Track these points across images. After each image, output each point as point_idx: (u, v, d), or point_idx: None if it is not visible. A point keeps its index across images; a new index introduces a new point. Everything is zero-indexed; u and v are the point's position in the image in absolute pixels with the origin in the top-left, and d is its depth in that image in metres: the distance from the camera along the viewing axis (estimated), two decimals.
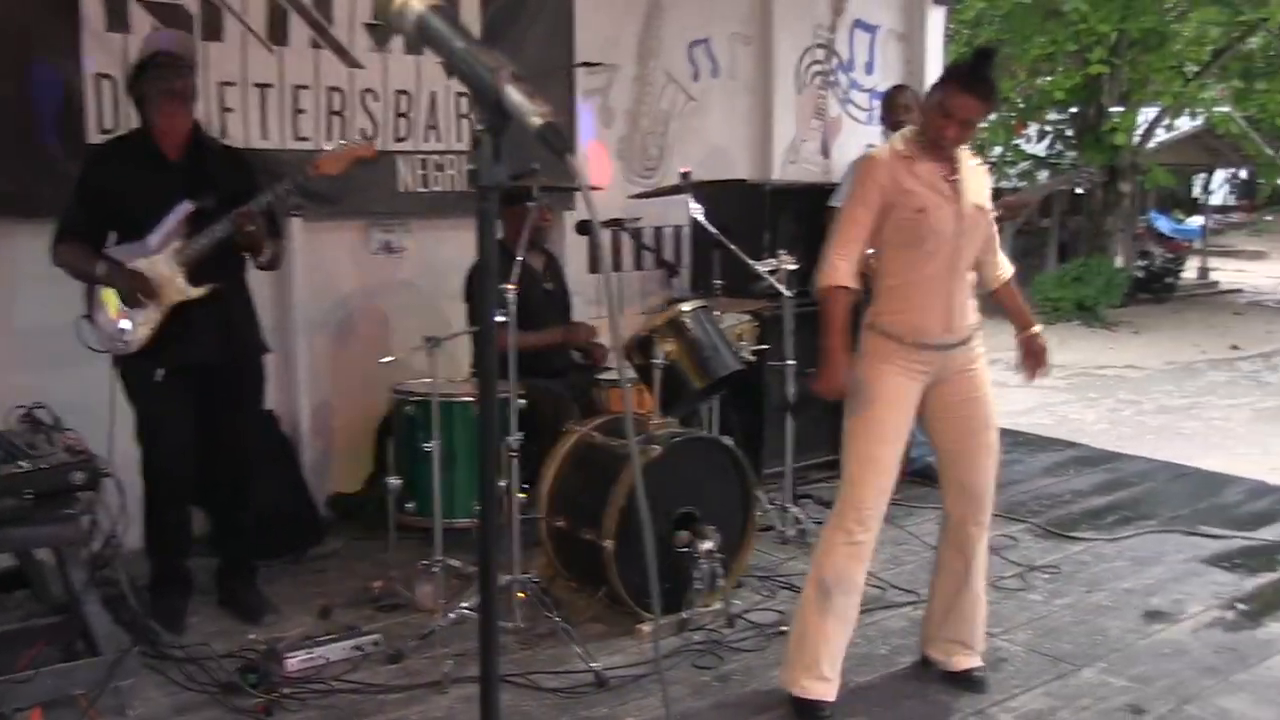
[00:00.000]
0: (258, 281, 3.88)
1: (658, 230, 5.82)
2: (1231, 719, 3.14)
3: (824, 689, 3.12)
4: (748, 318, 4.57)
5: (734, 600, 3.85)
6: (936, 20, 6.88)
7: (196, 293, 3.53)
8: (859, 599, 3.17)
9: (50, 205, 3.81)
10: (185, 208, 3.51)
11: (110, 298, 3.53)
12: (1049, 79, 15.58)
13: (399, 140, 4.94)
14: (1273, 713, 3.17)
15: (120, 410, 3.59)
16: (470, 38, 1.31)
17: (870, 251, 3.15)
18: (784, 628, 3.65)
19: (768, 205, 5.26)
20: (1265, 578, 4.27)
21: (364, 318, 5.05)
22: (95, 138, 4.13)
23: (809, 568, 3.20)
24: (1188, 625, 3.81)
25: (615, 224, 4.91)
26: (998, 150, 16.01)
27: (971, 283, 3.18)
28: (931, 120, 3.04)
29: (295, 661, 3.33)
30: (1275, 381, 11.04)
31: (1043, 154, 16.39)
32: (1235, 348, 13.14)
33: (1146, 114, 16.08)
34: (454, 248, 4.98)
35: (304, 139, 4.68)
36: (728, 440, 3.97)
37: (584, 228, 4.75)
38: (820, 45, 6.40)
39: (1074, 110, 15.79)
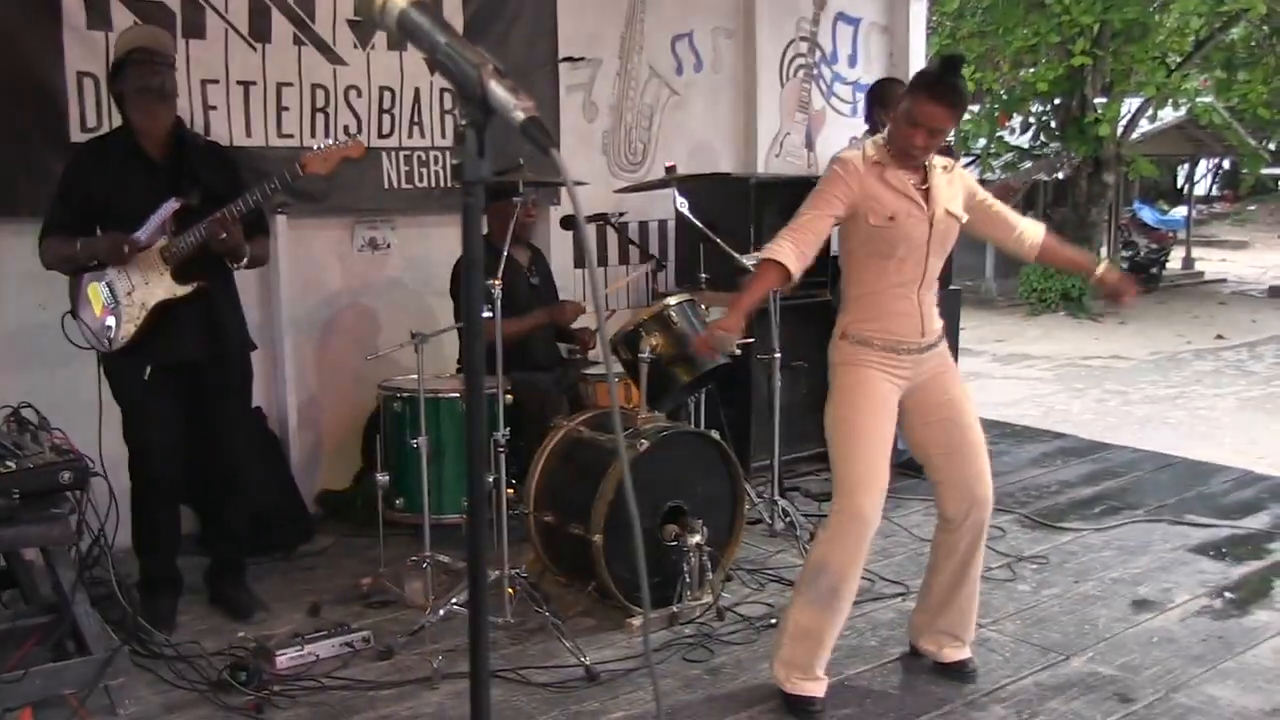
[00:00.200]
0: (244, 279, 3.87)
1: (643, 225, 5.82)
2: (1219, 706, 3.16)
3: (817, 685, 3.14)
4: None
5: (723, 593, 3.86)
6: (919, 12, 6.89)
7: (183, 290, 3.52)
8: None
9: (33, 204, 3.81)
10: (170, 205, 3.50)
11: (96, 295, 3.52)
12: (1032, 71, 15.62)
13: (383, 137, 4.93)
14: (1260, 699, 3.20)
15: (108, 409, 3.57)
16: (453, 33, 1.31)
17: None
18: (774, 620, 3.66)
19: (753, 198, 5.26)
20: (1252, 566, 4.30)
21: (350, 314, 5.04)
22: (78, 136, 4.12)
23: (802, 566, 3.20)
24: (1175, 614, 3.83)
25: (600, 219, 4.91)
26: (982, 142, 16.05)
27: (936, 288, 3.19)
28: (900, 129, 3.02)
29: (285, 659, 3.34)
30: (1260, 370, 11.13)
31: (1026, 145, 16.43)
32: (1220, 337, 13.24)
33: (1130, 105, 16.14)
34: (439, 244, 4.98)
35: (288, 136, 4.66)
36: (715, 434, 3.98)
37: (569, 223, 4.75)
38: (803, 38, 6.41)
39: (1057, 102, 15.83)
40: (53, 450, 3.06)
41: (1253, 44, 16.71)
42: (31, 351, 4.09)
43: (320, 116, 4.75)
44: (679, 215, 4.65)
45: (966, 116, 15.82)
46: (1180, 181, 25.23)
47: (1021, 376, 10.75)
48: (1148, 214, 19.38)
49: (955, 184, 3.16)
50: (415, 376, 3.85)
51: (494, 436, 3.70)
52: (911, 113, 2.97)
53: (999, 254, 17.71)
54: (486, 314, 3.54)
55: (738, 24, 6.15)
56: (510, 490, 3.88)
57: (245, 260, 3.62)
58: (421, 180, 5.06)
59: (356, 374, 4.85)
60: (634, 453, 3.64)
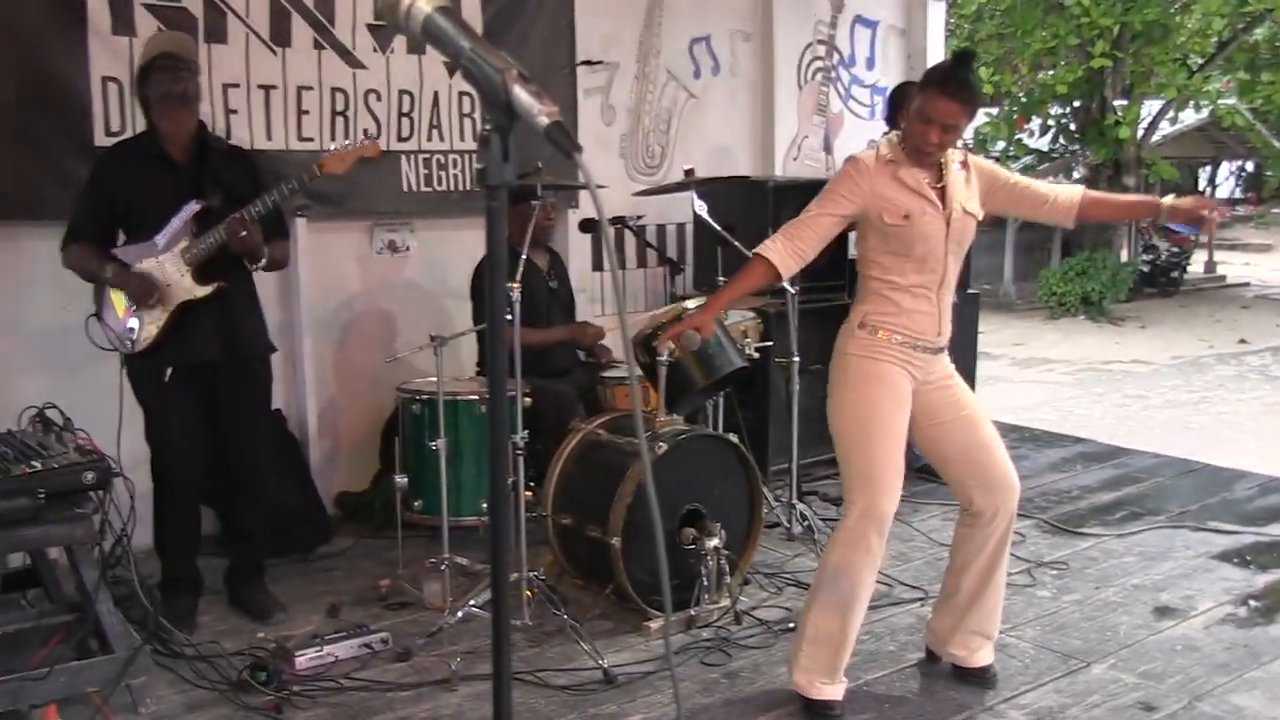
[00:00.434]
0: (263, 281, 3.89)
1: (660, 228, 5.83)
2: (1245, 716, 3.13)
3: (836, 690, 3.13)
4: (752, 315, 4.57)
5: (741, 597, 3.85)
6: (937, 15, 6.87)
7: (203, 291, 3.55)
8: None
9: (58, 208, 3.84)
10: (192, 207, 3.53)
11: (119, 297, 3.56)
12: (1051, 73, 15.55)
13: (402, 140, 4.95)
14: None
15: (129, 410, 3.59)
16: (477, 38, 1.32)
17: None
18: (791, 625, 3.65)
19: (770, 201, 5.26)
20: (1277, 574, 4.25)
21: (369, 317, 5.06)
22: (102, 140, 4.16)
23: (819, 569, 3.18)
24: (1199, 621, 3.79)
25: (619, 222, 4.92)
26: (1000, 145, 16.00)
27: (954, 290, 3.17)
28: (913, 127, 3.00)
29: (304, 659, 3.36)
30: None
31: (1046, 148, 16.37)
32: (1243, 341, 13.13)
33: (1150, 107, 16.04)
34: (458, 247, 5.00)
35: (308, 139, 4.69)
36: (733, 437, 3.98)
37: (587, 226, 4.76)
38: (821, 41, 6.40)
39: (1077, 104, 15.76)
40: (77, 451, 3.08)
41: (1277, 44, 16.58)
42: (56, 353, 4.13)
43: (340, 120, 4.77)
44: (697, 218, 4.66)
45: (985, 119, 15.83)
46: (1202, 184, 25.04)
47: (1041, 380, 10.70)
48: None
49: (972, 180, 3.14)
50: (434, 379, 3.86)
51: (512, 439, 3.71)
52: (924, 109, 2.96)
53: (1018, 257, 17.70)
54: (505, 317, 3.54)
55: (755, 27, 6.15)
56: (528, 493, 3.89)
57: (264, 261, 3.64)
58: (440, 183, 5.08)
59: (375, 376, 4.87)
60: (652, 456, 3.63)
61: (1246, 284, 19.37)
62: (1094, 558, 4.43)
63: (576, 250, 5.37)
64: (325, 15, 4.70)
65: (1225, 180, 28.43)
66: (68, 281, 3.71)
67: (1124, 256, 16.78)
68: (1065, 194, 3.18)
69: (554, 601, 3.67)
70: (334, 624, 3.71)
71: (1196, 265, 19.55)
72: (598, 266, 5.60)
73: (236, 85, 4.50)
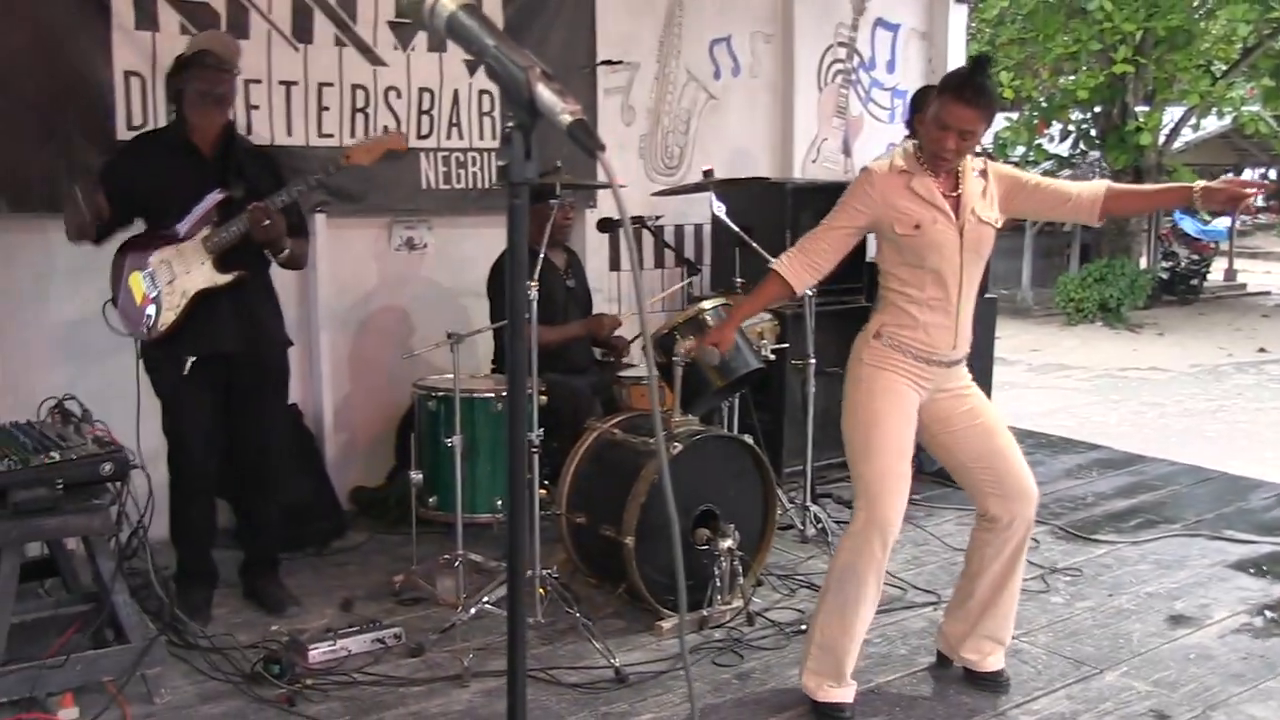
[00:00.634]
0: (281, 276, 3.91)
1: (679, 228, 5.83)
2: None
3: (845, 692, 3.14)
4: (768, 316, 4.55)
5: (754, 598, 3.85)
6: (958, 19, 6.84)
7: (224, 279, 3.58)
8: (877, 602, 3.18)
9: None
10: (215, 196, 3.56)
11: (137, 284, 3.57)
12: (1072, 78, 15.46)
13: (422, 137, 4.96)
14: None
15: (147, 402, 3.62)
16: (501, 36, 1.32)
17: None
18: (803, 626, 3.66)
19: (789, 203, 5.25)
20: None
21: (386, 313, 5.08)
22: (124, 134, 4.19)
23: (827, 573, 3.19)
24: (1214, 630, 3.77)
25: (637, 221, 4.93)
26: (1020, 150, 15.92)
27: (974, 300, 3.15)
28: (930, 133, 2.99)
29: (318, 653, 3.38)
30: None
31: (1066, 154, 16.28)
32: (1263, 350, 13.03)
33: (1172, 113, 15.94)
34: (475, 244, 5.01)
35: (328, 135, 4.71)
36: (748, 438, 3.98)
37: (605, 225, 4.77)
38: (841, 44, 6.39)
39: (1098, 110, 15.67)
40: (95, 442, 3.10)
41: None
42: (76, 345, 4.16)
43: (360, 117, 4.79)
44: (715, 219, 4.66)
45: (1005, 123, 15.77)
46: None
47: (1057, 386, 10.65)
48: (1189, 224, 19.11)
49: (991, 187, 3.12)
50: (450, 376, 3.88)
51: (528, 437, 3.71)
52: (940, 116, 2.95)
53: (1036, 262, 17.62)
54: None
55: (776, 28, 6.15)
56: (543, 491, 3.90)
57: (286, 253, 3.66)
58: (459, 181, 5.09)
59: (391, 372, 4.89)
60: (667, 456, 3.64)
61: (1267, 292, 19.23)
62: (1108, 565, 4.41)
63: (594, 250, 5.38)
64: (347, 12, 4.72)
65: None
66: (89, 274, 3.74)
67: (1143, 263, 16.68)
68: (1089, 190, 3.14)
69: (567, 600, 3.68)
70: (347, 618, 3.74)
71: (1216, 273, 19.42)
72: (615, 266, 5.61)
73: (258, 81, 4.53)
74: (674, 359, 3.81)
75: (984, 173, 3.13)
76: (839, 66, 6.40)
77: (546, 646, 3.56)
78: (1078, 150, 16.20)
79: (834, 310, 5.04)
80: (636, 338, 4.84)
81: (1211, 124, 17.40)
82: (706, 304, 4.01)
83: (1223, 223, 20.95)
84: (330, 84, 4.71)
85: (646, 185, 5.43)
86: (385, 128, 4.79)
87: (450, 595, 3.83)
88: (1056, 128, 16.27)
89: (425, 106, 4.96)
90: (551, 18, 5.25)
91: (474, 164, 5.12)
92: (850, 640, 3.10)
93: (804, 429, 4.63)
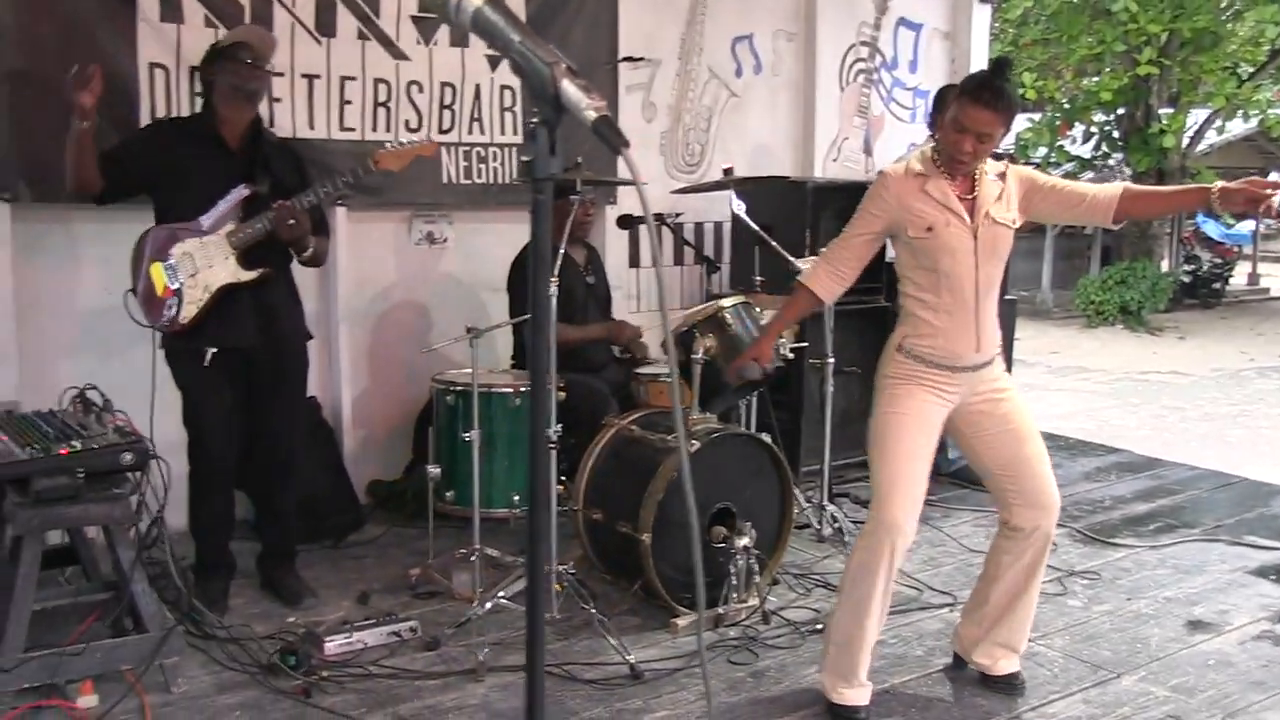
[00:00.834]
0: (301, 269, 3.92)
1: (699, 226, 5.82)
2: None
3: (859, 693, 3.14)
4: None
5: (769, 597, 3.85)
6: (982, 19, 6.81)
7: (248, 276, 3.59)
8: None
9: None
10: (240, 192, 3.57)
11: (158, 274, 3.57)
12: (1096, 80, 15.36)
13: (443, 132, 4.97)
14: None
15: (162, 394, 3.62)
16: (527, 31, 1.32)
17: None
18: (819, 626, 3.66)
19: (809, 203, 5.24)
20: None
21: (405, 308, 5.10)
22: None
23: (844, 572, 3.19)
24: (1233, 637, 3.74)
25: (657, 219, 4.92)
26: (1042, 151, 15.82)
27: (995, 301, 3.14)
28: (948, 136, 2.98)
29: (334, 645, 3.39)
30: None
31: (1088, 155, 16.18)
32: None
33: (1196, 116, 15.81)
34: (495, 239, 5.02)
35: (350, 129, 4.73)
36: (765, 437, 3.97)
37: (625, 222, 4.77)
38: (864, 43, 6.37)
39: (1121, 111, 15.56)
40: (115, 432, 3.13)
41: None
42: (99, 335, 4.19)
43: (382, 111, 4.80)
44: (735, 217, 4.65)
45: (1026, 124, 15.68)
46: None
47: (1076, 389, 10.58)
48: (1212, 227, 18.96)
49: (1009, 189, 3.10)
50: (469, 371, 3.88)
51: (545, 433, 3.72)
52: (958, 119, 2.93)
53: (1056, 264, 17.52)
54: None
55: (798, 27, 6.14)
56: (560, 487, 3.90)
57: (309, 252, 3.68)
58: (480, 176, 5.10)
59: (410, 366, 4.90)
60: (687, 453, 3.63)
61: None
62: (1126, 569, 4.38)
63: (613, 247, 5.38)
64: (370, 6, 4.74)
65: None
66: (113, 264, 3.75)
67: (1165, 266, 16.55)
68: (1105, 192, 3.09)
69: (582, 596, 3.68)
70: (364, 611, 3.75)
71: (1239, 277, 19.27)
72: (634, 263, 5.61)
73: (281, 74, 4.53)
74: (693, 357, 3.81)
75: (1003, 175, 3.11)
76: (861, 66, 6.38)
77: (562, 642, 3.57)
78: (1100, 152, 16.08)
79: (853, 310, 5.03)
80: (661, 342, 4.84)
81: (1237, 127, 17.24)
82: (725, 301, 4.00)
83: (1246, 226, 20.77)
84: (353, 78, 4.73)
85: (667, 183, 5.43)
86: (406, 122, 4.80)
87: (466, 590, 3.84)
88: (1079, 129, 16.15)
89: (447, 101, 4.97)
90: (573, 14, 5.26)
91: (495, 159, 5.12)
92: (862, 641, 3.10)
93: (822, 428, 4.62)
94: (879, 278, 5.10)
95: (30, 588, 2.99)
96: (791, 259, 4.44)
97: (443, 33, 4.92)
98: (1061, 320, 15.89)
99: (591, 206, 4.61)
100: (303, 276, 3.98)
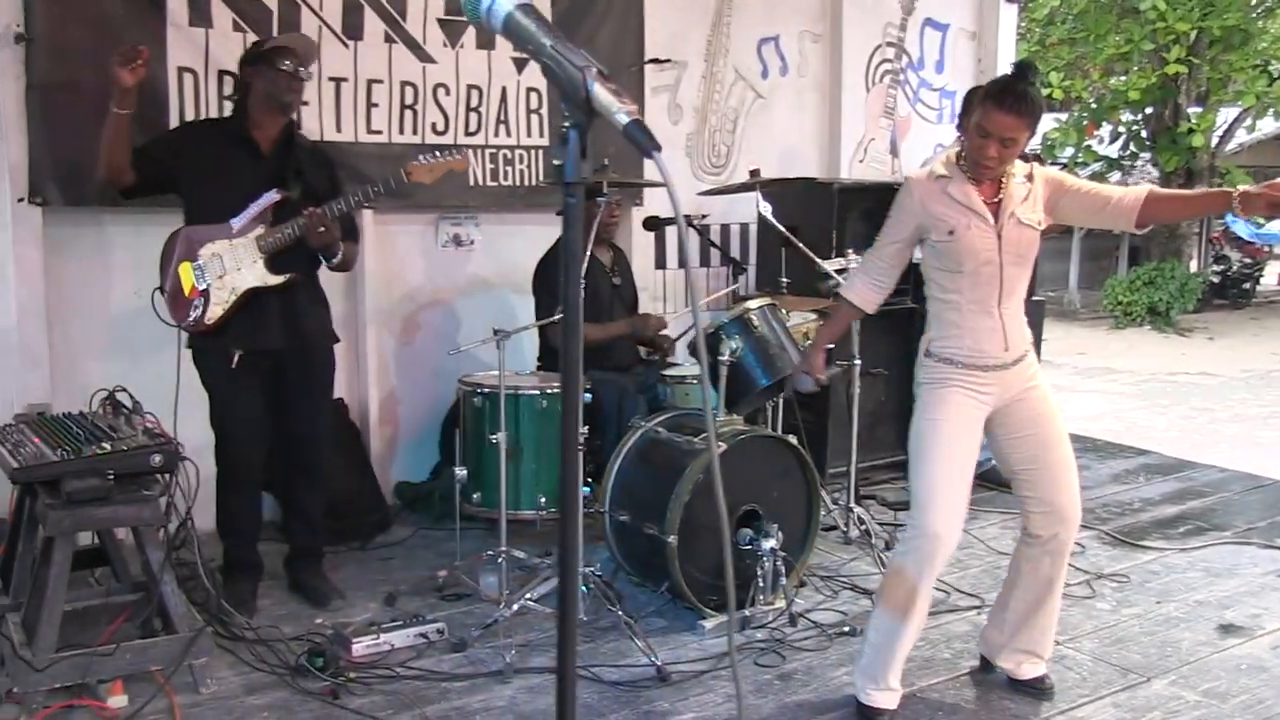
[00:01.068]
0: (329, 272, 3.94)
1: (724, 227, 5.81)
2: None
3: (888, 697, 3.13)
4: (814, 316, 4.54)
5: (796, 599, 3.83)
6: (1008, 18, 6.77)
7: (276, 280, 3.61)
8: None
9: None
10: (271, 197, 3.58)
11: (187, 274, 3.60)
12: (1123, 79, 15.22)
13: (470, 134, 4.99)
14: None
15: (186, 395, 3.65)
16: (558, 35, 1.33)
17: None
18: (846, 628, 3.65)
19: (835, 204, 5.22)
20: None
21: (432, 310, 5.12)
22: None
23: (883, 579, 3.18)
24: (1266, 641, 3.70)
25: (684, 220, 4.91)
26: (1069, 151, 15.70)
27: (1022, 300, 3.12)
28: (972, 141, 2.97)
29: (361, 647, 3.40)
30: None
31: (1115, 155, 16.04)
32: None
33: (1226, 115, 15.65)
34: (522, 241, 5.03)
35: (376, 132, 4.75)
36: (792, 438, 3.96)
37: (651, 224, 4.77)
38: (890, 43, 6.34)
39: (1149, 111, 15.42)
40: (145, 434, 3.15)
41: None
42: (129, 337, 4.23)
43: (409, 114, 4.82)
44: (761, 219, 4.64)
45: (1054, 124, 15.57)
46: None
47: (1104, 390, 10.49)
48: (1241, 227, 18.75)
49: (1036, 190, 3.08)
50: (496, 372, 3.89)
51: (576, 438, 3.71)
52: (982, 123, 2.92)
53: (1084, 265, 17.38)
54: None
55: (825, 28, 6.12)
56: (586, 488, 3.90)
57: (339, 258, 3.70)
58: (506, 178, 5.11)
59: (437, 368, 4.92)
60: (717, 455, 3.62)
61: None
62: (1156, 571, 4.34)
63: (639, 248, 5.38)
64: (397, 9, 4.76)
65: None
66: (143, 268, 3.79)
67: (1194, 267, 16.39)
68: (1129, 195, 3.06)
69: (609, 597, 3.68)
70: (391, 612, 3.76)
71: (1270, 277, 19.07)
72: (660, 264, 5.61)
73: (309, 78, 4.56)
74: (719, 358, 3.80)
75: (1029, 176, 3.10)
76: (887, 66, 6.35)
77: (589, 644, 3.56)
78: (1127, 152, 15.95)
79: (879, 311, 4.98)
80: (680, 336, 4.83)
81: (1268, 125, 17.04)
82: (752, 303, 3.99)
83: (1277, 226, 20.52)
84: (380, 81, 4.75)
85: (693, 184, 5.43)
86: (434, 124, 4.82)
87: (493, 591, 3.85)
88: (1106, 129, 16.02)
89: (473, 104, 4.99)
90: (600, 16, 5.26)
91: (521, 161, 5.13)
92: (895, 646, 3.08)
93: (848, 430, 4.60)
94: (905, 279, 5.04)
95: (61, 588, 3.01)
96: (818, 260, 4.43)
97: (469, 35, 4.93)
98: (1089, 321, 15.78)
99: (617, 208, 4.61)
100: (330, 278, 4.00)
